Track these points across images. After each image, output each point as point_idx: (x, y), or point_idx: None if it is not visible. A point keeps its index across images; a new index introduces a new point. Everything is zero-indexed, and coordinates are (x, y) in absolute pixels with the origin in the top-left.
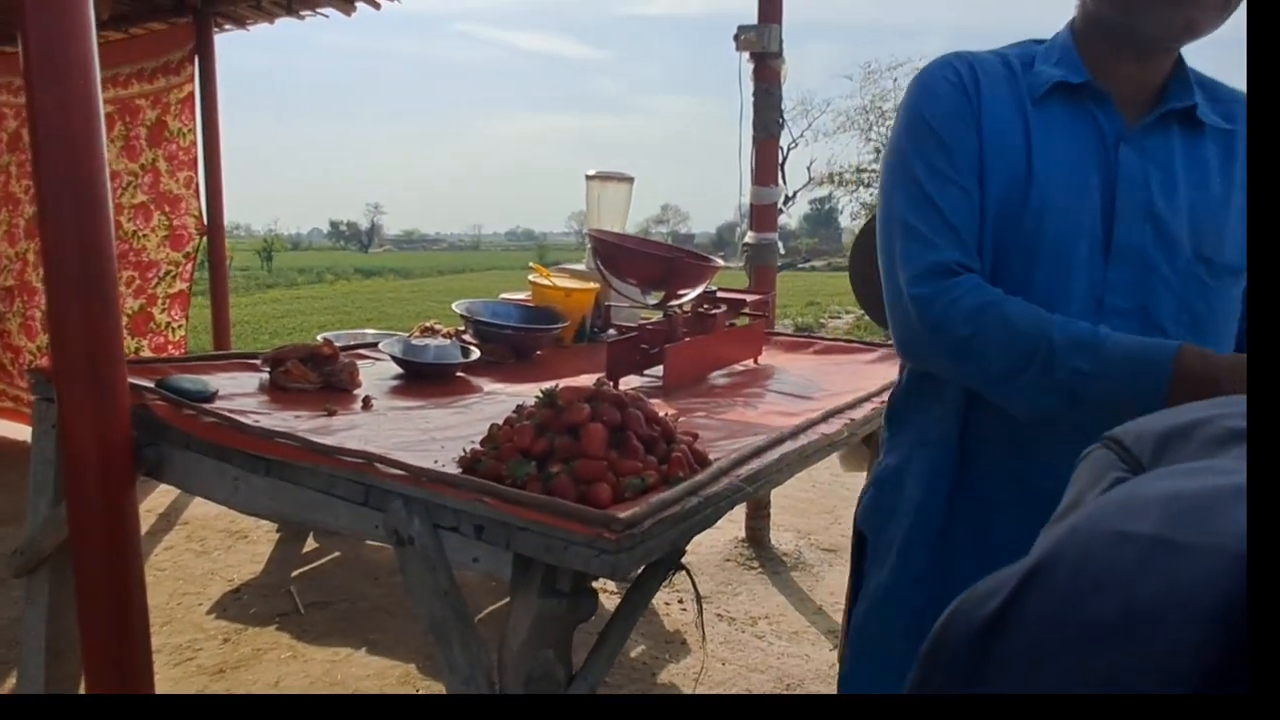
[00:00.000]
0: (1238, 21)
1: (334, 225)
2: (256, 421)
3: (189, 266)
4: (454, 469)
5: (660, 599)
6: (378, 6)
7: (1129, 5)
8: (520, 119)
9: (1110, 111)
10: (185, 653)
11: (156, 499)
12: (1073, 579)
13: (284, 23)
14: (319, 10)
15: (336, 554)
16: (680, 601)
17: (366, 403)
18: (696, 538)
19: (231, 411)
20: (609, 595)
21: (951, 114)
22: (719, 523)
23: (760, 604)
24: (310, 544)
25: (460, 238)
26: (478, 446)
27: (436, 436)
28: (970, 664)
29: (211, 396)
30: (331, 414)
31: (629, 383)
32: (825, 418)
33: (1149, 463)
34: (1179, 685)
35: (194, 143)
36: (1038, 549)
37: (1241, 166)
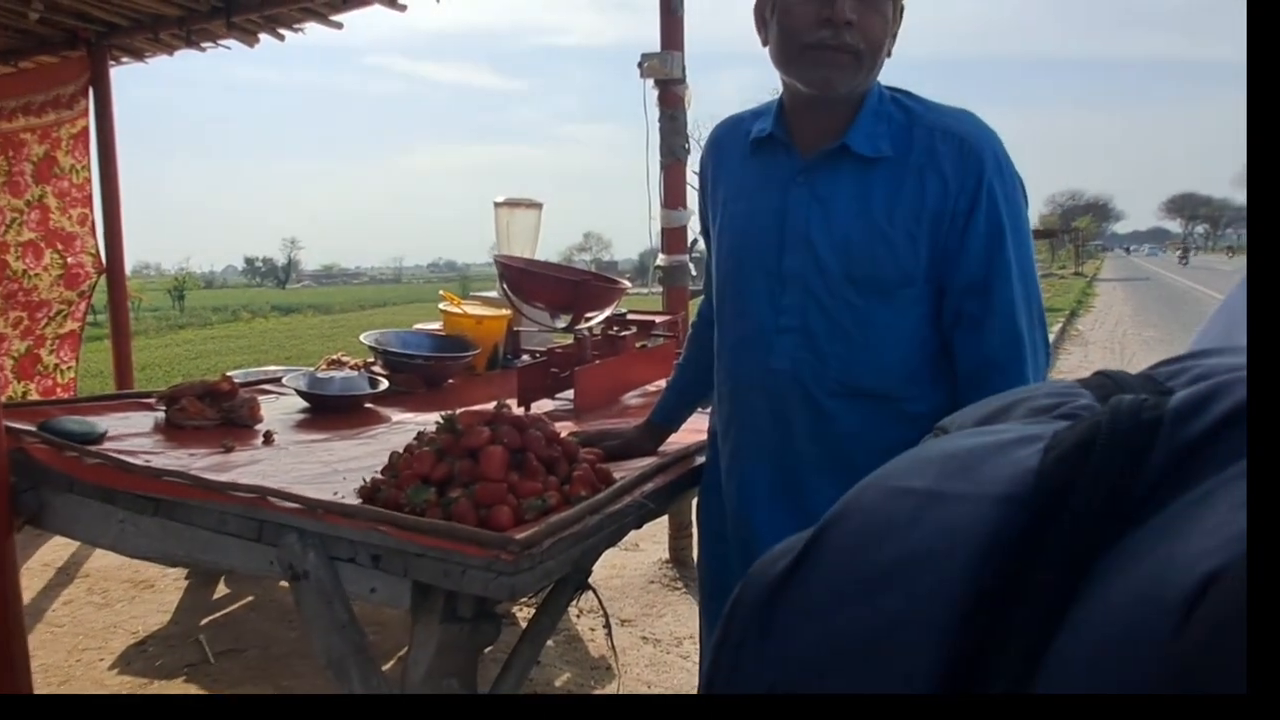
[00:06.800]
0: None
1: (249, 262)
2: (147, 461)
3: (82, 306)
4: (354, 500)
5: (585, 625)
6: (281, 38)
7: (787, 65)
8: (438, 150)
9: (794, 155)
10: None
11: (54, 551)
12: (856, 533)
13: (185, 55)
14: (220, 42)
15: (249, 598)
16: (605, 626)
17: (268, 438)
18: (621, 560)
19: (120, 452)
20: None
21: (700, 183)
22: (642, 544)
23: (685, 624)
24: (221, 589)
25: (381, 271)
26: (379, 476)
27: (339, 469)
28: (761, 619)
29: (100, 438)
30: (229, 450)
31: (541, 406)
32: None
33: None
34: (941, 620)
35: (88, 179)
36: (830, 510)
37: (909, 187)
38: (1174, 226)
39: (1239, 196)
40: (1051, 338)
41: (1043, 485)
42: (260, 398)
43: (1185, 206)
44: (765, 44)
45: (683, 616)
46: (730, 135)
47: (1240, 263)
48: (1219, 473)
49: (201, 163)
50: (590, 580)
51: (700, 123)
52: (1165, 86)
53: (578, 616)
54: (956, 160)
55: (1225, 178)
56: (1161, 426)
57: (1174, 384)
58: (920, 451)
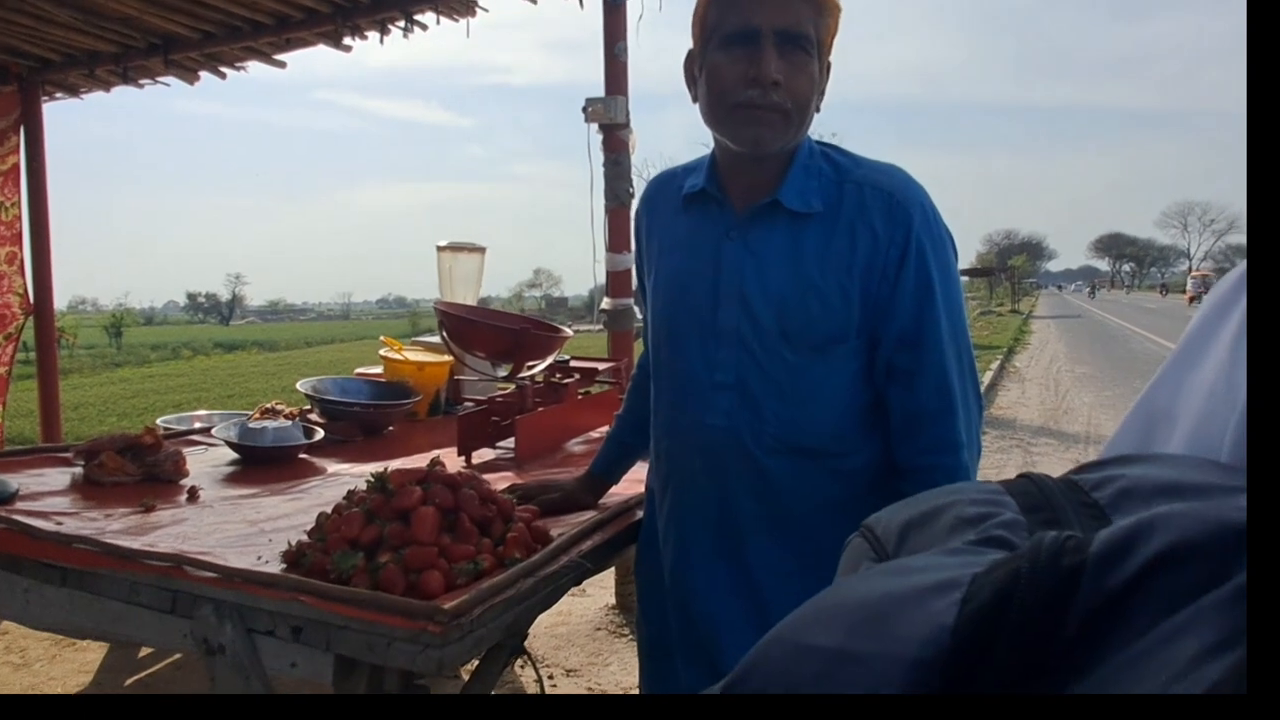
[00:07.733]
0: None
1: (191, 297)
2: (58, 524)
3: (9, 349)
4: (279, 565)
5: (532, 678)
6: (223, 76)
7: (717, 125)
8: (388, 186)
9: (727, 211)
10: None
11: None
12: (759, 695)
13: (124, 91)
14: (159, 79)
15: (176, 656)
16: (550, 678)
17: (193, 494)
18: (567, 607)
19: (32, 513)
20: None
21: (635, 238)
22: (589, 589)
23: (630, 673)
24: (147, 648)
25: (329, 307)
26: (305, 538)
27: (266, 528)
28: None
29: (11, 497)
30: (149, 510)
31: (482, 455)
32: None
33: (893, 551)
34: None
35: (18, 216)
36: (741, 661)
37: (840, 242)
38: (1103, 265)
39: (1161, 237)
40: (991, 375)
41: (959, 645)
42: (188, 449)
43: (1112, 246)
44: (695, 101)
45: (629, 665)
46: (663, 191)
47: (1170, 302)
48: (1139, 637)
49: (145, 197)
50: (535, 627)
51: (650, 162)
52: (1094, 133)
53: (522, 668)
54: (885, 214)
55: (1149, 219)
56: (1083, 574)
57: (1099, 496)
58: (831, 597)
